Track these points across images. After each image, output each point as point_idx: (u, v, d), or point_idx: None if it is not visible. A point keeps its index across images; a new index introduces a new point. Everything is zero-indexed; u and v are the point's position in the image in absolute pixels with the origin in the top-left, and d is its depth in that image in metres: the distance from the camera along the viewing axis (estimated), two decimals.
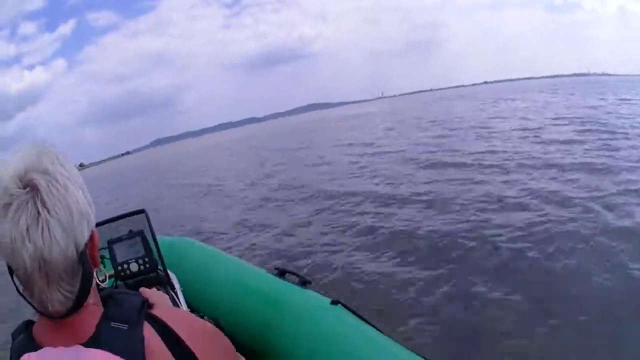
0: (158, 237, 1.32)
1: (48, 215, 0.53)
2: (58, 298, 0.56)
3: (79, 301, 0.57)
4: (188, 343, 0.66)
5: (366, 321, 1.22)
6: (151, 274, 1.25)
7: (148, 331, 0.61)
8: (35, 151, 0.58)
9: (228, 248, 4.69)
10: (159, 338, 0.62)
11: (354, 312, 1.23)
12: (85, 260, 0.57)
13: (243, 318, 1.29)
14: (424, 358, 1.08)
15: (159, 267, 1.28)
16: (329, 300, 1.26)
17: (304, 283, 1.35)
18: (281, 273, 1.44)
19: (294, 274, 1.41)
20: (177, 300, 1.21)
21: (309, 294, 1.32)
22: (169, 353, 0.61)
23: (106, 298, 0.63)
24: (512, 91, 38.72)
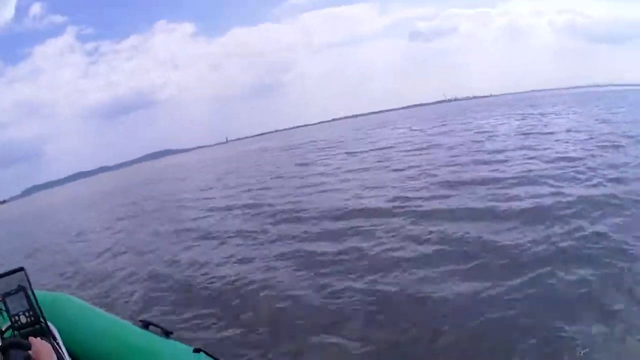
0: (38, 292, 1.41)
1: None
2: None
3: None
4: None
5: None
6: (37, 326, 1.36)
7: None
8: None
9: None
10: None
11: (216, 359, 1.33)
12: None
13: None
14: None
15: (41, 319, 1.37)
16: (191, 348, 1.35)
17: (166, 333, 1.44)
18: (145, 325, 1.57)
19: (156, 325, 1.49)
20: (60, 351, 1.31)
21: (172, 343, 1.42)
22: None
23: (4, 350, 0.72)
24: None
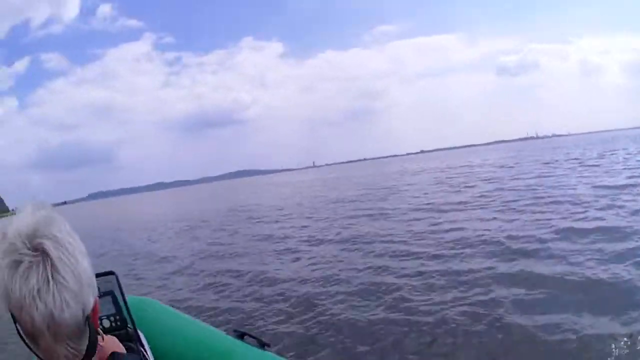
0: (127, 297, 1.37)
1: (60, 282, 0.58)
2: (65, 354, 0.61)
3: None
4: None
5: None
6: (122, 331, 1.30)
7: None
8: (41, 214, 0.62)
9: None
10: None
11: None
12: (91, 326, 0.63)
13: None
14: None
15: (129, 325, 1.32)
16: None
17: (262, 345, 1.41)
18: (240, 335, 1.49)
19: (252, 336, 1.46)
20: (147, 357, 1.25)
21: (268, 356, 1.38)
22: None
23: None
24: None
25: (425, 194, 13.92)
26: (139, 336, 1.33)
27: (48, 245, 0.58)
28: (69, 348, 0.61)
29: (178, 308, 1.94)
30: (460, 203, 10.65)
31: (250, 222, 12.95)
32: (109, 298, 1.31)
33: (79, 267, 0.60)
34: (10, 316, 0.61)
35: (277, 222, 11.99)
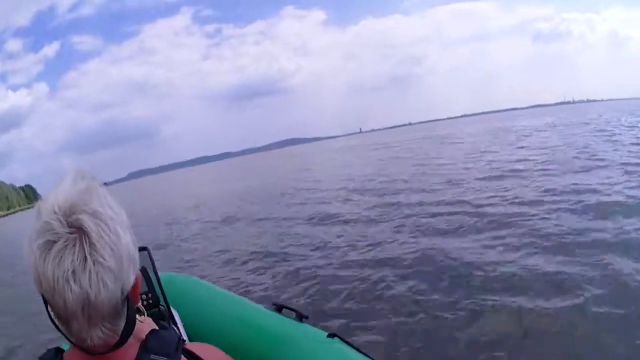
0: (160, 274, 1.35)
1: (97, 261, 0.53)
2: (98, 335, 0.57)
3: (123, 341, 0.58)
4: None
5: (364, 353, 1.24)
6: (154, 309, 1.28)
7: None
8: (80, 188, 0.57)
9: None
10: None
11: (350, 345, 1.26)
12: (130, 303, 0.58)
13: (243, 353, 1.31)
14: None
15: (161, 302, 1.31)
16: (325, 333, 1.29)
17: (300, 318, 1.38)
18: (278, 309, 1.47)
19: (290, 309, 1.44)
20: (180, 335, 1.23)
21: (306, 328, 1.36)
22: None
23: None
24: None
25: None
26: (172, 314, 1.33)
27: (86, 221, 0.53)
28: (103, 329, 0.57)
29: (215, 283, 1.93)
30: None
31: None
32: (139, 275, 1.29)
33: (120, 243, 0.56)
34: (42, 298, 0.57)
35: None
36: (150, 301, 1.27)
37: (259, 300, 1.72)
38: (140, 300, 1.21)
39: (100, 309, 0.55)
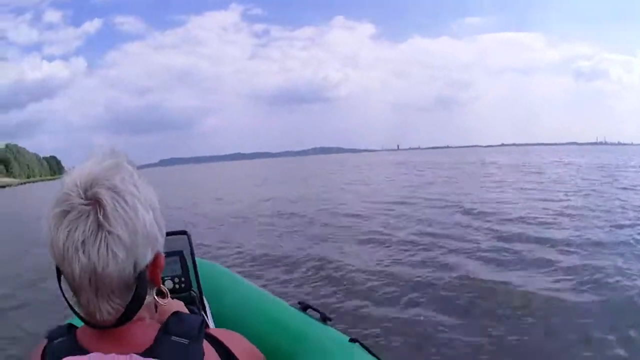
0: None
1: (109, 233, 0.53)
2: (107, 309, 0.56)
3: (127, 315, 0.57)
4: None
5: None
6: (184, 294, 1.30)
7: (207, 348, 0.60)
8: (107, 164, 0.57)
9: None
10: (217, 355, 0.61)
11: (370, 352, 1.27)
12: (141, 281, 0.57)
13: (265, 348, 1.33)
14: None
15: (193, 288, 1.33)
16: (347, 338, 1.31)
17: (324, 319, 1.40)
18: (304, 308, 1.48)
19: (315, 309, 1.46)
20: (208, 322, 1.22)
21: (329, 330, 1.37)
22: None
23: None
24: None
25: None
26: (202, 300, 1.35)
27: (104, 194, 0.54)
28: (112, 304, 0.56)
29: (247, 277, 1.96)
30: None
31: None
32: (176, 258, 1.30)
33: (137, 218, 0.55)
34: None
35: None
36: (183, 285, 1.29)
37: (285, 298, 1.74)
38: (173, 283, 1.27)
39: (107, 281, 0.54)
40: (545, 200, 10.05)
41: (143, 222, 0.56)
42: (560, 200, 9.96)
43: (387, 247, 6.20)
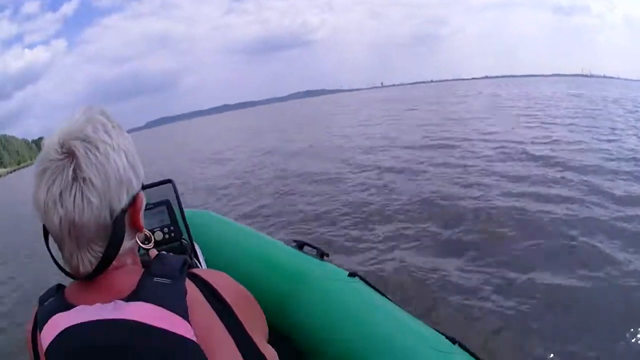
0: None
1: (83, 181, 0.54)
2: (89, 259, 0.57)
3: (105, 261, 0.57)
4: (228, 301, 0.64)
5: (383, 294, 1.24)
6: (175, 243, 1.26)
7: (190, 286, 0.60)
8: (82, 118, 0.58)
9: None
10: (201, 293, 0.61)
11: (370, 285, 1.26)
12: (117, 224, 0.57)
13: (263, 289, 1.31)
14: (440, 332, 1.09)
15: (184, 236, 1.28)
16: (346, 272, 1.29)
17: (321, 255, 1.37)
18: (300, 246, 1.47)
19: (312, 246, 1.43)
20: (187, 260, 1.23)
21: (327, 266, 1.35)
22: (211, 308, 0.60)
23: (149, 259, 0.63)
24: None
25: None
26: (194, 248, 1.31)
27: (77, 146, 0.55)
28: (92, 252, 0.57)
29: (239, 220, 1.88)
30: None
31: None
32: (163, 208, 1.25)
33: (108, 163, 0.56)
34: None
35: None
36: (172, 234, 1.25)
37: (280, 238, 1.70)
38: (162, 234, 1.23)
39: (85, 230, 0.55)
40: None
41: (115, 166, 0.56)
42: None
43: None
